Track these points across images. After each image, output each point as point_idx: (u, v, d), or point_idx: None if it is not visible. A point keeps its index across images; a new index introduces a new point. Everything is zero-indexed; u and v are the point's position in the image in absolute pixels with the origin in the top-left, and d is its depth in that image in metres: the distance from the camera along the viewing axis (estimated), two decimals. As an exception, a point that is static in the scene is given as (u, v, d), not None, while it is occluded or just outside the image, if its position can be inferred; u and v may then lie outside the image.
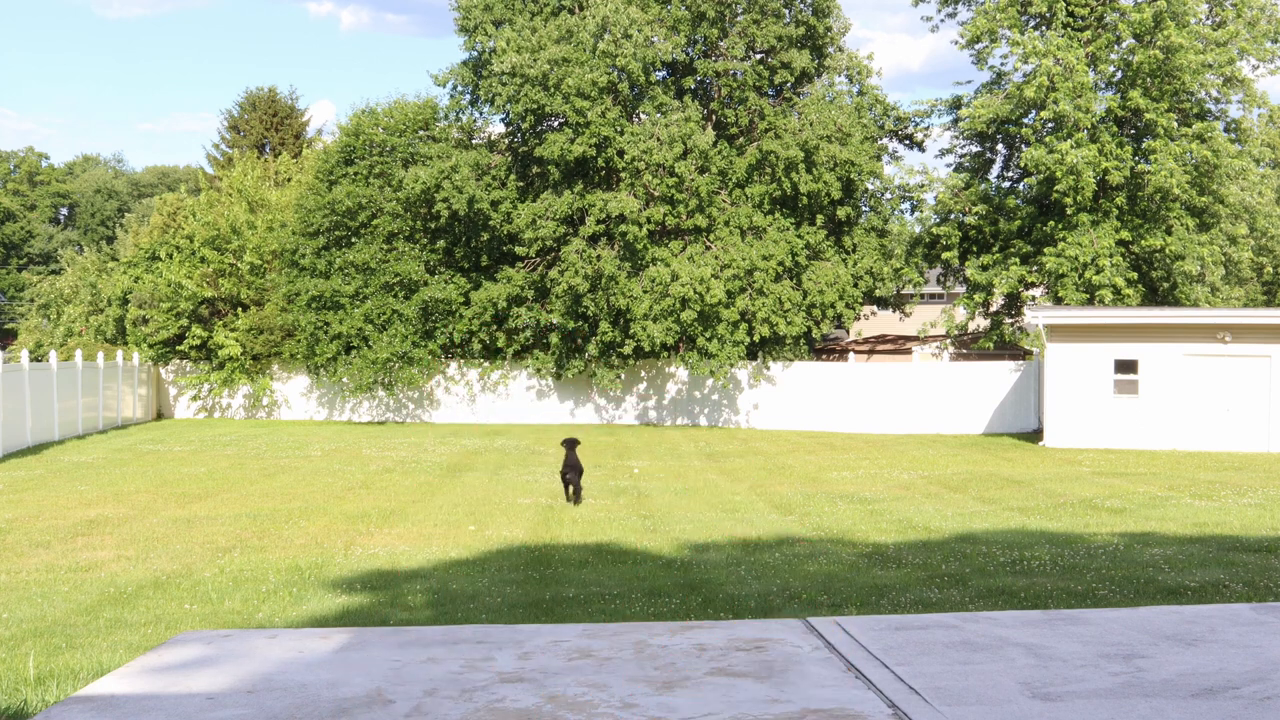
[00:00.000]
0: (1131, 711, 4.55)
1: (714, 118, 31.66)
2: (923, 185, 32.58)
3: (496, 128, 33.38)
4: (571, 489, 14.84)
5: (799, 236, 30.10)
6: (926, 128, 34.28)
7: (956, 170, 32.66)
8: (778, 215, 30.41)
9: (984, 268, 30.69)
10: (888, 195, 33.57)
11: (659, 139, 28.76)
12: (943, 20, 33.55)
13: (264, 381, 32.49)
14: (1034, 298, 32.29)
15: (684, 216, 29.43)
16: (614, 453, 22.96)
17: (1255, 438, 24.02)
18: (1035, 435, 27.19)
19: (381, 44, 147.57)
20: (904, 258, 32.72)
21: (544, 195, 29.61)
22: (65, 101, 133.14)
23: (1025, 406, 29.12)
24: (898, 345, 37.11)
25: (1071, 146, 28.32)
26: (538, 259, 30.64)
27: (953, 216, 31.95)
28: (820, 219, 30.83)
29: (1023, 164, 29.87)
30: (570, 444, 14.91)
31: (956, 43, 31.34)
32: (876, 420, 29.45)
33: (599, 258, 28.43)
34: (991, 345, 31.91)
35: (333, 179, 32.11)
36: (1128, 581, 9.21)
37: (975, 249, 31.75)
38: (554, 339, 30.40)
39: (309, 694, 4.30)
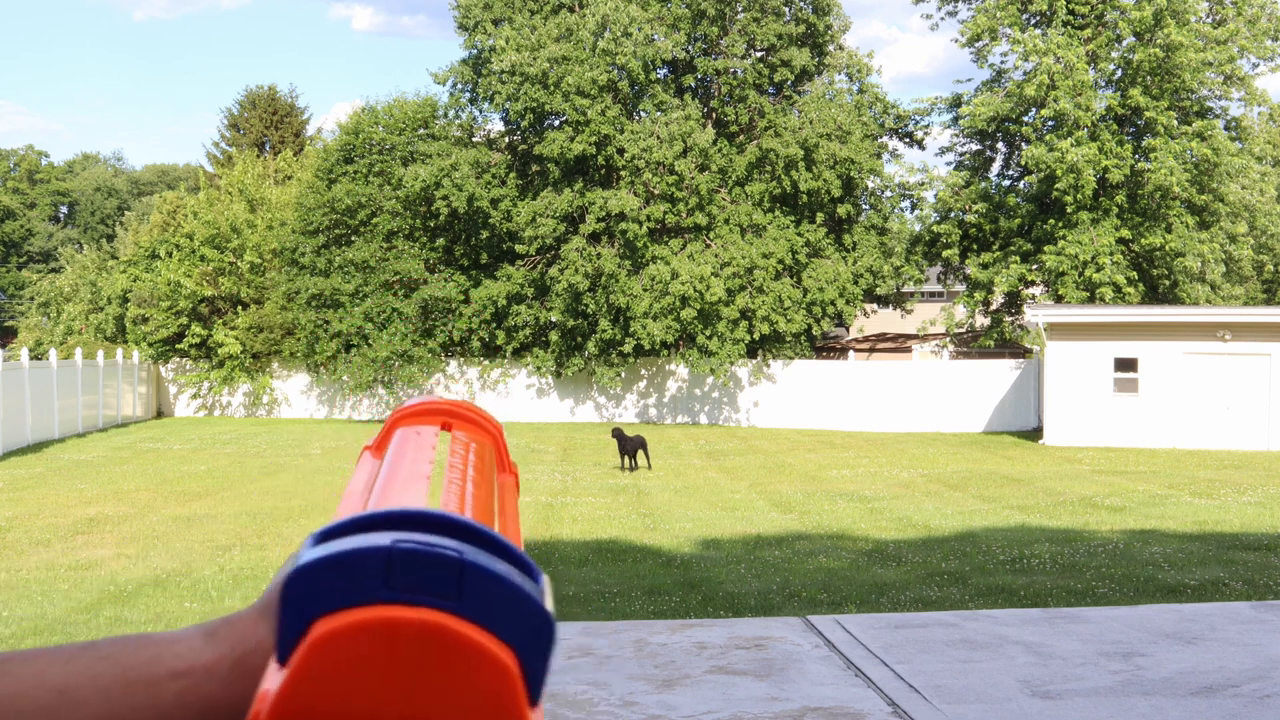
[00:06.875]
0: (1131, 709, 4.55)
1: (714, 116, 31.65)
2: (923, 183, 32.57)
3: (496, 126, 33.39)
4: (640, 456, 18.90)
5: (799, 234, 30.09)
6: (926, 126, 34.28)
7: (956, 168, 32.67)
8: (778, 213, 30.41)
9: (984, 266, 30.70)
10: (888, 193, 33.57)
11: (659, 137, 28.77)
12: (943, 18, 33.55)
13: (264, 380, 32.48)
14: (1034, 296, 32.29)
15: (684, 214, 29.43)
16: (614, 450, 22.95)
17: (1255, 436, 24.02)
18: (1035, 433, 27.19)
19: (395, 46, 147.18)
20: (904, 255, 32.72)
21: (544, 193, 29.61)
22: (71, 100, 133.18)
23: (1025, 405, 29.11)
24: (898, 343, 37.09)
25: (1072, 145, 28.31)
26: (537, 257, 30.65)
27: (953, 214, 31.96)
28: (820, 217, 30.82)
29: (1023, 162, 29.86)
30: (619, 432, 18.67)
31: (956, 40, 31.34)
32: (876, 418, 29.45)
33: (599, 256, 28.43)
34: (991, 343, 31.91)
35: (332, 177, 32.10)
36: (1127, 580, 9.21)
37: (975, 247, 31.76)
38: (553, 337, 30.41)
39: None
